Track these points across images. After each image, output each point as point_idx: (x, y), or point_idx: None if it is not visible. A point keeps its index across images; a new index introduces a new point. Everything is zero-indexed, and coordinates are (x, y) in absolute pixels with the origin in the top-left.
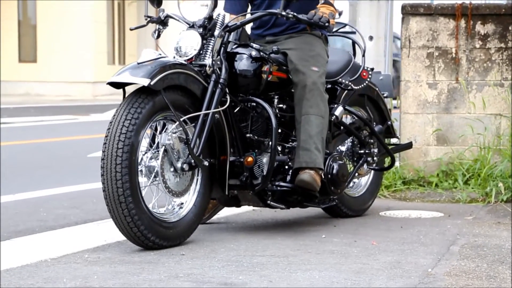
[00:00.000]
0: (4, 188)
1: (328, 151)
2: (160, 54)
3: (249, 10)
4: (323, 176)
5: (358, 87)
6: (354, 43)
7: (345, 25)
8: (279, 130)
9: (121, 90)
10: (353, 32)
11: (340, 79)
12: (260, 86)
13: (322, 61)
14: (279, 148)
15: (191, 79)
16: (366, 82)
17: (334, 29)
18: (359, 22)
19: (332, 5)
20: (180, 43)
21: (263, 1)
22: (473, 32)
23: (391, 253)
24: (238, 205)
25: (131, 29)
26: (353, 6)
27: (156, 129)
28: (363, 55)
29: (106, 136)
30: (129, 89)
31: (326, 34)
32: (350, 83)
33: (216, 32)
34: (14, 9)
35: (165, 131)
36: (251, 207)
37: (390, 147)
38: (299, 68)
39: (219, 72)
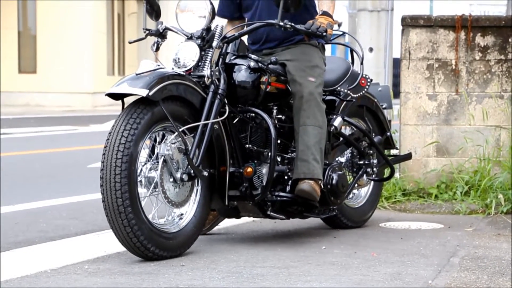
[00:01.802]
0: (4, 198)
1: (327, 162)
2: (159, 65)
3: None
4: (322, 186)
5: (357, 95)
6: (352, 51)
7: (343, 33)
8: (279, 141)
9: (120, 101)
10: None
11: (339, 88)
12: (259, 97)
13: (319, 72)
14: (279, 159)
15: (190, 89)
16: (365, 90)
17: (332, 38)
18: (359, 34)
19: (330, 16)
20: (179, 54)
21: (255, 11)
22: (473, 44)
23: (392, 265)
24: (238, 216)
25: (130, 43)
26: (353, 18)
27: (155, 140)
28: (361, 63)
29: (105, 147)
30: (128, 100)
31: (323, 43)
32: (349, 92)
33: (214, 43)
34: (14, 19)
35: (164, 142)
36: (251, 218)
37: (389, 158)
38: (296, 78)
39: (217, 82)
